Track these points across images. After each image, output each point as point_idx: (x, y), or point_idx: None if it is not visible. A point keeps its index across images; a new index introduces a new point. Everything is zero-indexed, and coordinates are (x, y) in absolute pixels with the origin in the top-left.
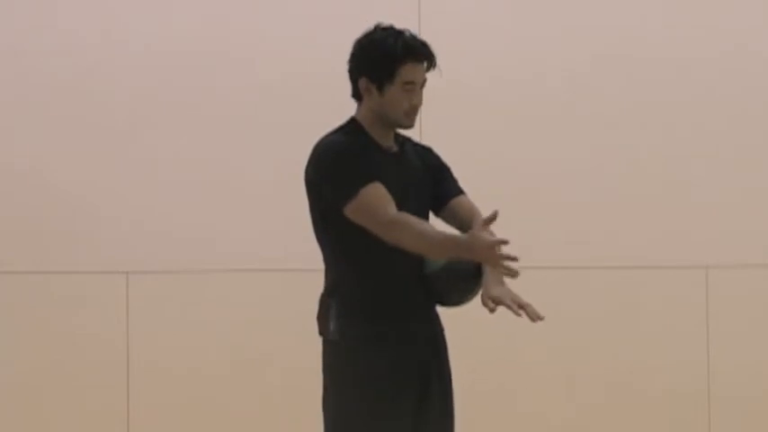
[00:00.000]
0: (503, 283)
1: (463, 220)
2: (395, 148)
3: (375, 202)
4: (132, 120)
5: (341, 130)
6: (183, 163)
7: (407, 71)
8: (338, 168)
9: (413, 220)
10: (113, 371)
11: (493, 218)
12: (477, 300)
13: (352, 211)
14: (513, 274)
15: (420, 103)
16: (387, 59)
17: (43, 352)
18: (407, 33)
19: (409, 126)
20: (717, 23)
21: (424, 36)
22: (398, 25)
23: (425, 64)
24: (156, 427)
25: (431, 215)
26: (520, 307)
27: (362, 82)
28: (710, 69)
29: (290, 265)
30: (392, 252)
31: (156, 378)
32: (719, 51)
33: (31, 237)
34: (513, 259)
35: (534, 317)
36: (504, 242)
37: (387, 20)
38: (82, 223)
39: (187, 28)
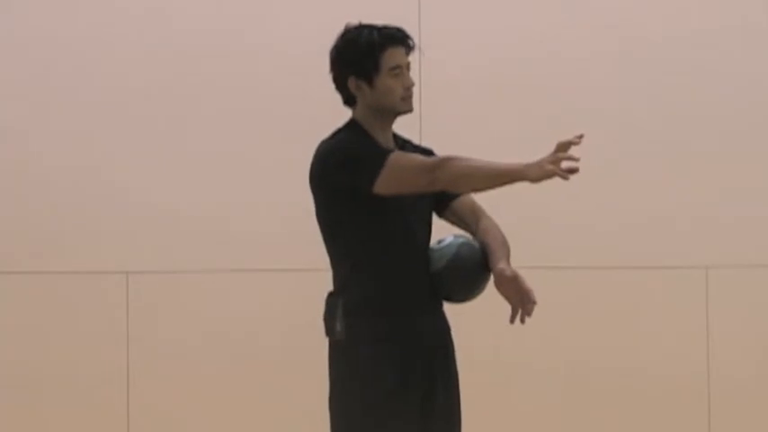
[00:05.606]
0: (509, 280)
1: (467, 221)
2: (395, 149)
3: (408, 161)
4: (131, 120)
5: (342, 131)
6: (183, 163)
7: (390, 57)
8: (355, 154)
9: (459, 157)
10: (113, 371)
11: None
12: (478, 298)
13: (384, 181)
14: (574, 170)
15: (412, 83)
16: (368, 51)
17: (43, 352)
18: (379, 24)
19: (408, 110)
20: (718, 23)
21: (424, 36)
22: (398, 25)
23: (405, 47)
24: (156, 427)
25: (434, 217)
26: (524, 306)
27: (351, 82)
28: (711, 69)
29: (291, 265)
30: (399, 251)
31: (156, 378)
32: (720, 51)
33: (30, 237)
34: (575, 159)
35: (522, 317)
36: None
37: (387, 20)
38: (82, 223)
39: (189, 28)
